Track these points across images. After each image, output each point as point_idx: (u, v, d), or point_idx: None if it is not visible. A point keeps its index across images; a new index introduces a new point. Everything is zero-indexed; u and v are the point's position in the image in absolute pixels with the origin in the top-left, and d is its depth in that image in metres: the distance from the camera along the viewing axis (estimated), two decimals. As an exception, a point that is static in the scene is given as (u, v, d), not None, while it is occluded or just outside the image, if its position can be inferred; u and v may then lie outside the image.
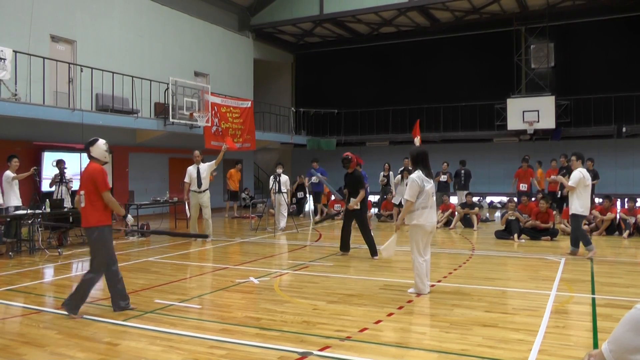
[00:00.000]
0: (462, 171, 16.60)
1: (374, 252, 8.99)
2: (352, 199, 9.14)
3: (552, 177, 10.45)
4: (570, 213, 9.24)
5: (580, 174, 8.93)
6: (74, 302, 5.39)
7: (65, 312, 5.38)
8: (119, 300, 5.57)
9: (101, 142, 5.65)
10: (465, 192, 15.42)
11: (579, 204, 8.97)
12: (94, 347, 4.48)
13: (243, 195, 19.25)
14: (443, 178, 15.84)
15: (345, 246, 9.34)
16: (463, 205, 13.85)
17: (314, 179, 15.63)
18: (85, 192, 5.48)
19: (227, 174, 17.37)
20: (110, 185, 5.62)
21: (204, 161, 11.47)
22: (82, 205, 5.51)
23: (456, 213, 13.64)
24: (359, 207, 9.11)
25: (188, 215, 11.82)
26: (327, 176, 15.62)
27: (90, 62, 14.19)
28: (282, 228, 12.83)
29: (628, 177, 18.88)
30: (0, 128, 12.45)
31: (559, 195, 14.22)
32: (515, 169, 15.82)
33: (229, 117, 17.38)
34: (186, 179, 11.43)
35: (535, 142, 19.95)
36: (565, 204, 12.93)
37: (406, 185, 6.33)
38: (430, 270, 6.47)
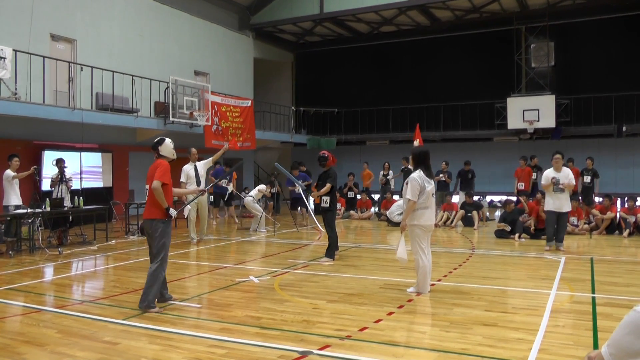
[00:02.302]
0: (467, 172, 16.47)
1: (329, 253, 8.67)
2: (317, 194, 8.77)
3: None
4: (547, 209, 9.79)
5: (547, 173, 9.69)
6: (151, 297, 5.54)
7: (143, 311, 5.48)
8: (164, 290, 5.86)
9: (168, 141, 6.02)
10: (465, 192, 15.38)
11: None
12: (94, 346, 4.48)
13: (243, 194, 19.17)
14: (442, 177, 15.77)
15: None
16: (464, 204, 13.84)
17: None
18: (150, 186, 5.69)
19: None
20: (169, 182, 5.77)
21: (200, 160, 11.23)
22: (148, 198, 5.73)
23: (457, 212, 13.66)
24: (328, 204, 8.68)
25: (185, 215, 11.62)
26: (310, 180, 14.81)
27: (90, 61, 14.18)
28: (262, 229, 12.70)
29: (628, 176, 18.88)
30: (0, 127, 12.44)
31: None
32: (515, 168, 15.83)
33: (229, 116, 17.36)
34: (182, 179, 10.97)
35: (535, 142, 19.93)
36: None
37: (406, 184, 6.32)
38: (431, 270, 6.47)
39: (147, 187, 5.79)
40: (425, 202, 6.21)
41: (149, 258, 5.94)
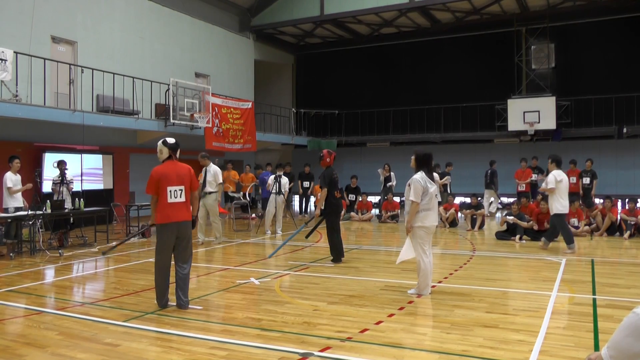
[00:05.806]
0: (489, 171, 16.59)
1: (335, 257, 8.61)
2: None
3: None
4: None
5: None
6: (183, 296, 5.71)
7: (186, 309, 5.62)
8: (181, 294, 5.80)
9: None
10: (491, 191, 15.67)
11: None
12: (95, 348, 4.48)
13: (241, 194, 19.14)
14: (447, 181, 15.75)
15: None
16: (468, 206, 13.81)
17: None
18: (185, 187, 5.74)
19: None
20: None
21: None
22: (183, 200, 5.73)
23: (460, 214, 13.64)
24: (323, 206, 8.59)
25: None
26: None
27: (91, 63, 14.20)
28: (277, 232, 12.57)
29: (629, 178, 18.86)
30: (1, 129, 12.45)
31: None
32: (516, 170, 15.86)
33: (229, 118, 17.39)
34: None
35: (535, 143, 19.92)
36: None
37: (408, 186, 6.34)
38: (432, 271, 6.47)
39: (179, 188, 5.73)
40: (428, 203, 6.25)
41: (162, 259, 5.74)
